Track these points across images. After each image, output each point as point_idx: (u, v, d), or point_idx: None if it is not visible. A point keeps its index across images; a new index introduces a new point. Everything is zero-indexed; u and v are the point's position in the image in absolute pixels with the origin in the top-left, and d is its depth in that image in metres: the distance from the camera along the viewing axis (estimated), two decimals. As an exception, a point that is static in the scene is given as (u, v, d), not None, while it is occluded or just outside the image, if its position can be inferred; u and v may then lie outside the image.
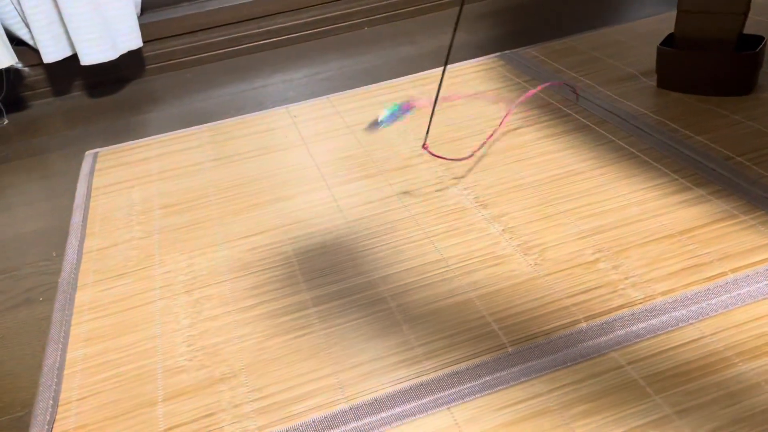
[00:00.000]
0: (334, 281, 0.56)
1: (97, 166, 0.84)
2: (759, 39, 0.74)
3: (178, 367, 0.49)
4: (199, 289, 0.58)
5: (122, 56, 1.08)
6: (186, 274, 0.60)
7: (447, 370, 0.45)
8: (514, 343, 0.47)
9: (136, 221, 0.70)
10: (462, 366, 0.45)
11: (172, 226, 0.68)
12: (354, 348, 0.49)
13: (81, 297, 0.59)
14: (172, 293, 0.58)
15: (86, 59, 1.02)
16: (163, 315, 0.55)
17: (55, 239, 0.70)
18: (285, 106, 0.93)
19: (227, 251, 0.62)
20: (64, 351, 0.53)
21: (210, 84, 1.09)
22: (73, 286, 0.60)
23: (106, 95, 1.12)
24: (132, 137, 0.92)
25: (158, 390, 0.48)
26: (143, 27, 1.11)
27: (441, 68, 0.97)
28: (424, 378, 0.45)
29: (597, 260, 0.54)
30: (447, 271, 0.55)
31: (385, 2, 1.23)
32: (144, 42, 1.11)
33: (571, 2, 1.19)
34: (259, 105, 0.97)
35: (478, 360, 0.46)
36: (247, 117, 0.92)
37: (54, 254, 0.68)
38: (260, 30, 1.19)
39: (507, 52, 1.00)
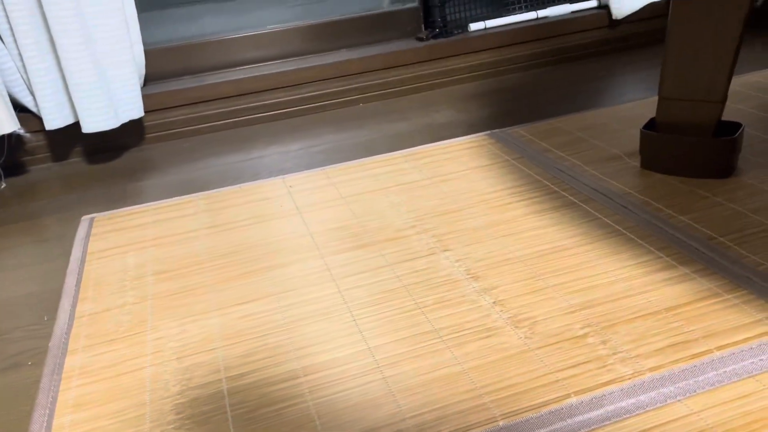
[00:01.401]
0: (325, 350, 0.56)
1: (93, 230, 0.85)
2: (737, 125, 0.78)
3: (167, 435, 0.49)
4: (190, 356, 0.58)
5: (123, 124, 1.11)
6: (177, 341, 0.60)
7: (438, 443, 0.45)
8: (505, 417, 0.47)
9: (130, 286, 0.70)
10: (453, 439, 0.45)
11: (166, 292, 0.68)
12: (344, 419, 0.48)
13: (71, 362, 0.59)
14: (162, 360, 0.57)
15: (88, 127, 1.05)
16: (153, 382, 0.55)
17: (47, 303, 0.70)
18: (281, 176, 0.96)
19: (220, 318, 0.63)
20: (51, 417, 0.52)
21: (207, 154, 1.12)
22: (63, 351, 0.60)
23: (105, 162, 1.14)
24: (128, 203, 0.94)
25: (145, 459, 0.47)
26: (145, 97, 1.15)
27: (431, 144, 1.01)
28: (415, 451, 0.45)
29: (586, 335, 0.54)
30: (439, 342, 0.56)
31: (379, 81, 1.28)
32: (145, 111, 1.15)
33: (556, 86, 1.24)
34: (255, 175, 0.99)
35: (469, 433, 0.46)
36: (243, 186, 0.94)
37: (45, 318, 0.67)
38: (258, 104, 1.24)
39: (496, 130, 1.04)
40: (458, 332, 0.57)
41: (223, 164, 1.06)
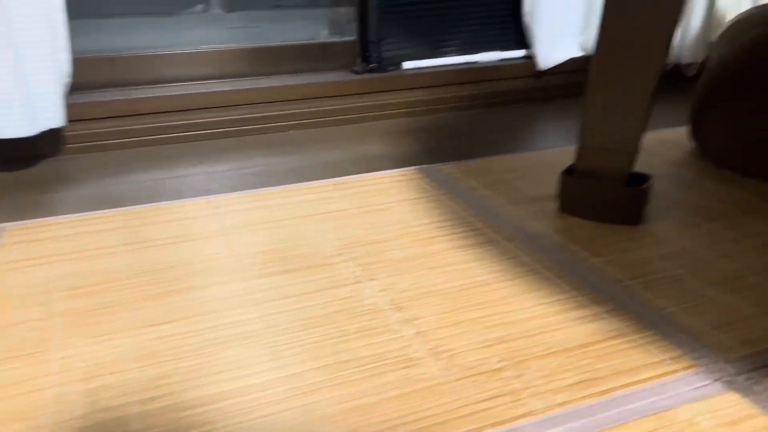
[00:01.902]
0: (241, 376, 0.55)
1: (2, 241, 0.80)
2: (646, 177, 0.84)
3: (66, 460, 0.46)
4: (98, 377, 0.55)
5: (42, 133, 1.06)
6: (86, 361, 0.57)
7: (353, 473, 0.45)
8: (421, 447, 0.47)
9: (38, 301, 0.66)
10: (369, 469, 0.45)
11: (77, 309, 0.65)
12: (259, 446, 0.47)
13: (-37, 379, 0.54)
14: (68, 380, 0.54)
15: (2, 133, 0.99)
16: (56, 404, 0.52)
17: (-61, 315, 0.65)
18: (206, 197, 0.94)
19: (133, 339, 0.60)
20: (-65, 439, 0.48)
21: (129, 169, 1.08)
22: (-45, 367, 0.56)
23: (20, 170, 1.08)
24: (42, 215, 0.89)
25: (41, 485, 0.44)
26: (69, 107, 1.11)
27: (362, 175, 1.02)
28: (329, 480, 0.44)
29: (502, 368, 0.56)
30: (359, 371, 0.56)
31: (313, 109, 1.29)
32: (68, 121, 1.10)
33: (485, 128, 1.29)
34: (179, 194, 0.97)
35: (384, 463, 0.46)
36: (166, 204, 0.91)
37: (-64, 331, 0.62)
38: (187, 122, 1.21)
39: (426, 166, 1.06)
40: (379, 362, 0.57)
41: (147, 181, 1.03)
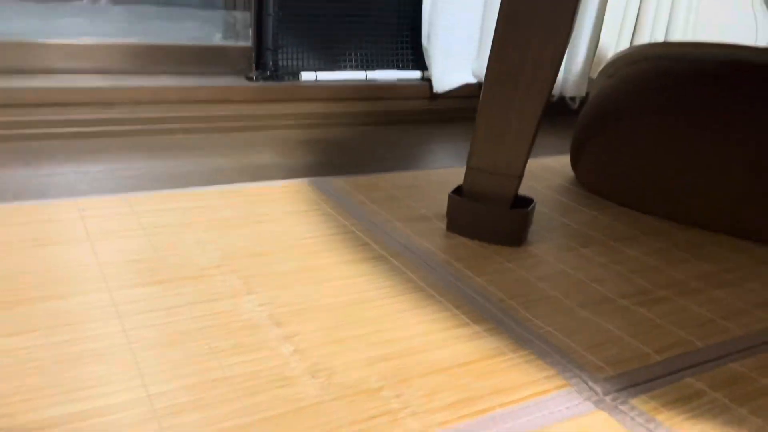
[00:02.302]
0: (97, 395, 0.49)
1: None
2: (530, 201, 0.86)
3: None
4: None
5: None
6: None
7: (214, 503, 0.41)
8: (291, 473, 0.44)
9: None
10: (231, 498, 0.42)
11: None
12: (108, 475, 0.42)
13: None
14: None
15: None
16: None
17: None
18: (73, 198, 0.86)
19: (-33, 353, 0.53)
20: None
21: (-13, 163, 0.98)
22: None
23: None
24: None
25: None
26: None
27: (249, 183, 0.98)
28: None
29: (381, 388, 0.54)
30: (229, 391, 0.52)
31: (201, 114, 1.23)
32: None
33: (378, 145, 1.29)
34: (42, 194, 0.88)
35: (249, 491, 0.42)
36: (24, 204, 0.82)
37: None
38: (59, 118, 1.12)
39: (316, 178, 1.04)
40: (252, 380, 0.53)
41: (4, 178, 0.93)
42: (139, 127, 1.18)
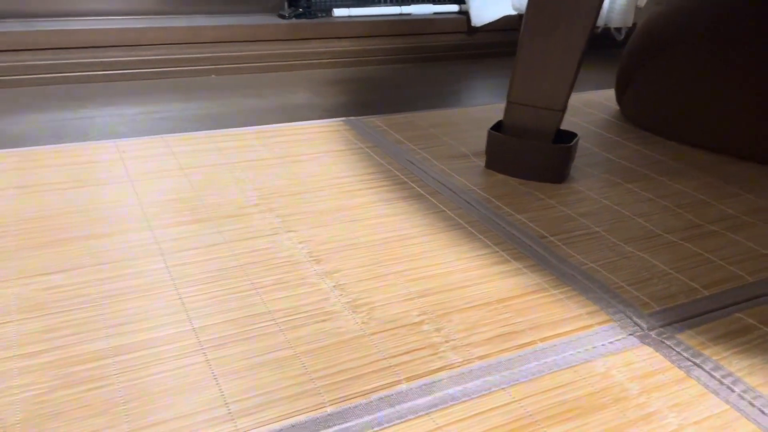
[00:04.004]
0: (142, 329, 0.51)
1: None
2: (573, 135, 0.83)
3: (-70, 421, 0.41)
4: (-26, 329, 0.49)
5: None
6: (-39, 312, 0.51)
7: (260, 430, 0.42)
8: (334, 403, 0.45)
9: None
10: (277, 425, 0.42)
11: (-47, 255, 0.58)
12: (156, 404, 0.43)
13: None
14: (-63, 333, 0.48)
15: None
16: None
17: None
18: (113, 140, 0.87)
19: (19, 288, 0.54)
20: None
21: (28, 107, 0.99)
22: None
23: None
24: None
25: None
26: (-46, 34, 0.99)
27: (285, 124, 0.97)
28: (233, 438, 0.41)
29: (421, 322, 0.54)
30: (272, 324, 0.52)
31: (234, 53, 1.21)
32: (-47, 51, 0.99)
33: (414, 82, 1.26)
34: (83, 136, 0.89)
35: (294, 420, 0.43)
36: (66, 146, 0.83)
37: None
38: (94, 60, 1.12)
39: (352, 118, 1.02)
40: (293, 315, 0.54)
41: (45, 121, 0.94)
42: (173, 68, 1.17)
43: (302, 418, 0.43)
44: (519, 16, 1.44)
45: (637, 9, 1.46)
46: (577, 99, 1.18)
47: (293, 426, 0.42)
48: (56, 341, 0.49)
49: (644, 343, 0.53)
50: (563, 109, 0.81)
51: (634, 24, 1.48)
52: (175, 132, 0.92)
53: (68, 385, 0.44)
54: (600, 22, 1.47)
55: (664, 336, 0.54)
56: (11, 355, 0.47)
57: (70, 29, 1.09)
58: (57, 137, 0.88)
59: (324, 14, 1.32)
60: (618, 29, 1.50)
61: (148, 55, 1.15)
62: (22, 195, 0.70)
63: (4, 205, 0.67)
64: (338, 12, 1.33)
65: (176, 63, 1.17)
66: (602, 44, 1.54)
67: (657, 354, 0.52)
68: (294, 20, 1.26)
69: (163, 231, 0.65)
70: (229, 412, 0.43)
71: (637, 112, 1.05)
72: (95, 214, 0.67)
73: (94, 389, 0.44)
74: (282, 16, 1.28)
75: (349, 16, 1.33)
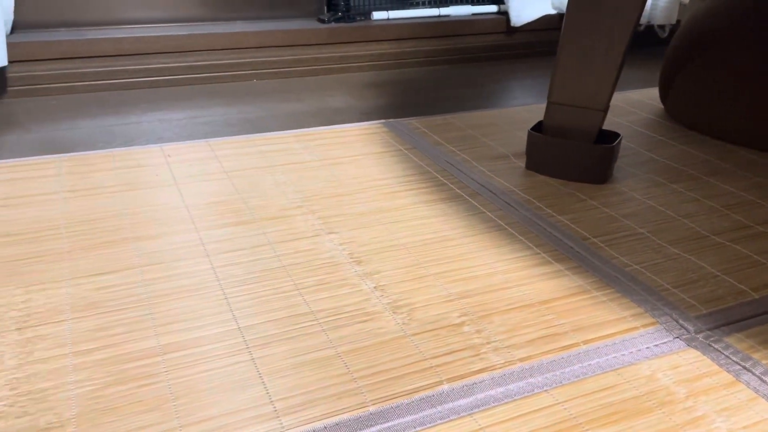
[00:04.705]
0: (189, 328, 0.52)
1: (-70, 184, 0.74)
2: (616, 135, 0.82)
3: (-7, 414, 0.43)
4: (32, 327, 0.51)
5: (-20, 72, 0.99)
6: (20, 310, 0.53)
7: (305, 428, 0.43)
8: (376, 402, 0.45)
9: (-32, 248, 0.62)
10: (320, 424, 0.43)
11: (10, 256, 0.61)
12: (204, 401, 0.45)
13: None
14: (1, 330, 0.51)
15: (-64, 68, 0.92)
16: (-16, 354, 0.48)
17: None
18: (159, 145, 0.89)
19: (72, 288, 0.56)
20: None
21: (77, 114, 1.02)
22: None
23: (-45, 111, 1.01)
24: (-22, 158, 0.83)
25: (-37, 440, 0.41)
26: (11, 46, 1.03)
27: (325, 127, 0.98)
28: (278, 435, 0.42)
29: (462, 323, 0.54)
30: (314, 324, 0.53)
31: (274, 58, 1.23)
32: (10, 62, 1.03)
33: (452, 84, 1.26)
34: (131, 141, 0.92)
35: (337, 418, 0.44)
36: (115, 151, 0.86)
37: None
38: (140, 67, 1.15)
39: (390, 120, 1.03)
40: (336, 315, 0.54)
41: (95, 126, 0.97)
42: (215, 74, 1.20)
43: (345, 416, 0.44)
44: (559, 15, 1.43)
45: (681, 5, 1.42)
46: (619, 98, 1.16)
47: (336, 424, 0.43)
48: (108, 339, 0.50)
49: (691, 347, 0.52)
50: (605, 109, 0.80)
51: (678, 21, 1.45)
52: (218, 136, 0.94)
53: (120, 382, 0.46)
54: (643, 20, 1.44)
55: (712, 339, 0.53)
56: (66, 352, 0.49)
57: (118, 37, 1.12)
58: (106, 142, 0.91)
59: (363, 18, 1.33)
60: (661, 26, 1.47)
61: (192, 61, 1.18)
62: (75, 198, 0.73)
63: (57, 209, 0.70)
64: (377, 15, 1.34)
65: (218, 68, 1.20)
66: (645, 42, 1.51)
67: (704, 357, 0.51)
68: (333, 24, 1.27)
69: (208, 233, 0.67)
70: (275, 410, 0.44)
71: (682, 111, 1.03)
72: (143, 217, 0.69)
73: (145, 386, 0.46)
74: (321, 21, 1.29)
75: (388, 19, 1.34)
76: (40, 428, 0.42)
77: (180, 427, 0.42)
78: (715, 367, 0.50)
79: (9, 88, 1.08)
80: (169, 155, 0.85)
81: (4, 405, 0.43)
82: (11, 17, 1.07)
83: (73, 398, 0.44)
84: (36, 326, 0.51)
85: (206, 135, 0.95)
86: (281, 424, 0.43)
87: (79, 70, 1.11)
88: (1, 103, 1.06)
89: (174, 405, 0.44)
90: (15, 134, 0.93)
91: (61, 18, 1.15)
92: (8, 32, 1.07)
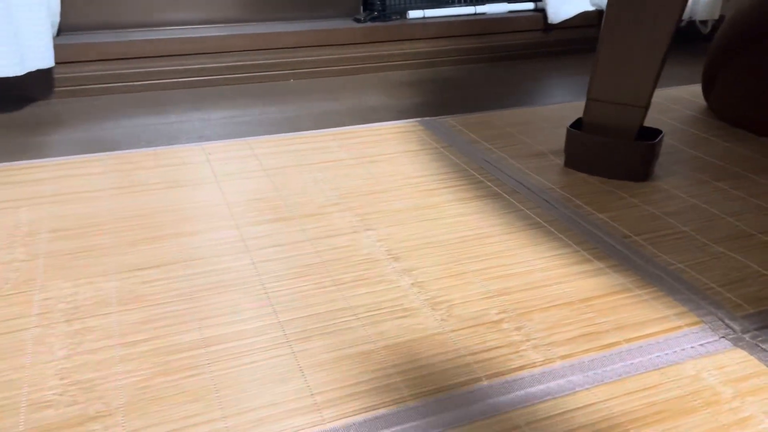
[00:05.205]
0: (231, 321, 0.53)
1: (-17, 181, 0.77)
2: (657, 132, 0.81)
3: (46, 401, 0.44)
4: (81, 319, 0.53)
5: (30, 74, 1.02)
6: (68, 303, 0.55)
7: (344, 421, 0.43)
8: (415, 397, 0.45)
9: (21, 242, 0.64)
10: (360, 417, 0.43)
11: (61, 251, 0.63)
12: (247, 392, 0.45)
13: (-60, 318, 0.52)
14: (49, 321, 0.52)
15: (-12, 70, 0.96)
16: (36, 344, 0.50)
17: None
18: (200, 143, 0.91)
19: (118, 282, 0.58)
20: None
21: (121, 114, 1.05)
22: (-67, 306, 0.54)
23: (7, 112, 1.05)
24: (28, 157, 0.86)
25: (19, 425, 0.42)
26: (58, 47, 1.07)
27: (361, 126, 0.99)
28: (319, 428, 0.43)
29: (501, 320, 0.54)
30: (353, 319, 0.54)
31: (311, 58, 1.25)
32: (56, 63, 1.06)
33: (489, 82, 1.25)
34: (172, 139, 0.94)
35: (376, 412, 0.44)
36: (158, 150, 0.88)
37: None
38: (181, 67, 1.17)
39: (427, 118, 1.03)
40: (374, 311, 0.55)
41: (138, 126, 0.99)
42: (254, 73, 1.22)
43: (383, 411, 0.44)
44: (597, 12, 1.41)
45: (724, 0, 1.39)
46: (660, 95, 1.14)
47: (376, 418, 0.43)
48: (153, 331, 0.52)
49: (737, 346, 0.51)
50: (647, 106, 0.78)
51: (721, 16, 1.42)
52: (256, 135, 0.96)
53: (166, 373, 0.47)
54: (684, 15, 1.41)
55: (759, 339, 0.52)
56: (113, 343, 0.50)
57: (158, 39, 1.15)
58: (149, 141, 0.93)
59: (398, 17, 1.33)
60: (704, 22, 1.43)
61: (230, 61, 1.19)
62: (119, 195, 0.75)
63: (103, 205, 0.72)
64: (412, 14, 1.34)
65: (256, 68, 1.22)
66: (687, 38, 1.48)
67: (751, 357, 0.50)
68: (369, 23, 1.28)
69: (249, 229, 0.68)
70: (315, 403, 0.45)
71: (726, 108, 1.00)
72: (185, 213, 0.71)
73: (189, 377, 0.47)
74: (357, 20, 1.30)
75: (424, 18, 1.34)
76: (90, 416, 0.43)
77: (223, 417, 0.43)
78: (763, 368, 0.49)
79: (55, 89, 1.11)
80: (209, 153, 0.87)
81: (55, 394, 0.45)
82: (57, 19, 1.10)
83: (121, 388, 0.45)
84: (84, 318, 0.53)
85: (245, 134, 0.96)
86: (321, 416, 0.43)
87: (122, 71, 1.14)
88: (48, 104, 1.09)
89: (217, 396, 0.45)
90: (62, 134, 0.96)
91: (101, 20, 1.19)
92: (55, 34, 1.10)
